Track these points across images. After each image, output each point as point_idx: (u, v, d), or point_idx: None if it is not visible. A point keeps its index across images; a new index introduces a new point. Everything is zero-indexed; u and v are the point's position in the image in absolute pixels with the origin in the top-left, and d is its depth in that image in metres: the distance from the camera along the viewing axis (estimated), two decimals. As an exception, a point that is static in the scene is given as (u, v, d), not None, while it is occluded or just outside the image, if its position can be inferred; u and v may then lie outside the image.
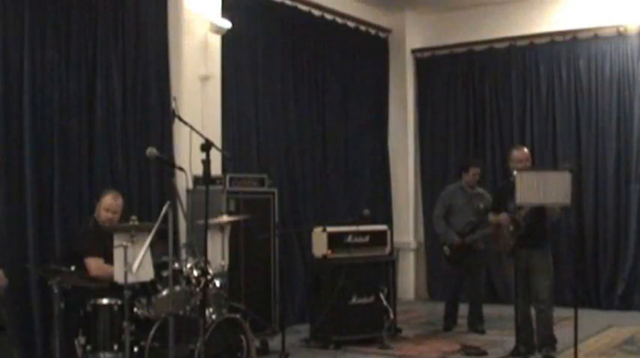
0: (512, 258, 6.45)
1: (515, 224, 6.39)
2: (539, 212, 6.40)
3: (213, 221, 6.19)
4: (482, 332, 7.86)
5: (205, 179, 4.85)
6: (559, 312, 6.84)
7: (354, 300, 7.31)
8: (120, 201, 5.89)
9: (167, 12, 7.41)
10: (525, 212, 6.37)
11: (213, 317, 5.44)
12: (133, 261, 4.92)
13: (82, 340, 5.21)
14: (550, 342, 6.52)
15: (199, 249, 5.48)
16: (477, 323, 7.95)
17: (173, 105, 6.82)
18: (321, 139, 9.56)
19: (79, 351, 5.21)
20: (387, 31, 10.89)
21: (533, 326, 6.59)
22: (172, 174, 6.34)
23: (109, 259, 5.51)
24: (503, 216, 6.54)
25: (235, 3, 8.08)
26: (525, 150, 6.77)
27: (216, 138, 7.37)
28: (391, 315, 7.39)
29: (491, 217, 6.80)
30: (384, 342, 7.20)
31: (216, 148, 5.10)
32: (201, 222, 5.02)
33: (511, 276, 6.52)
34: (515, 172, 6.23)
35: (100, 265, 5.54)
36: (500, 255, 8.07)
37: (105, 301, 5.27)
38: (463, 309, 8.13)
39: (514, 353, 6.57)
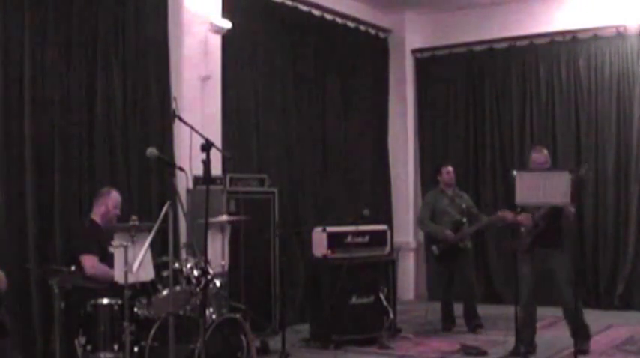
0: (528, 257, 6.48)
1: (534, 223, 6.40)
2: (556, 211, 6.42)
3: (213, 221, 6.19)
4: (481, 326, 7.90)
5: (205, 179, 4.85)
6: (558, 312, 6.84)
7: (354, 300, 7.32)
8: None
9: (167, 12, 7.43)
10: (544, 211, 6.39)
11: (214, 317, 5.45)
12: (134, 261, 4.92)
13: (82, 340, 5.21)
14: (583, 333, 6.55)
15: (199, 249, 5.49)
16: (474, 322, 7.97)
17: (173, 105, 6.82)
18: (321, 139, 9.57)
19: (80, 351, 5.21)
20: (387, 31, 10.90)
21: (535, 325, 6.60)
22: (172, 174, 6.33)
23: (104, 259, 5.53)
24: (525, 216, 6.52)
25: (235, 3, 8.09)
26: (545, 151, 6.79)
27: (217, 138, 7.38)
28: (391, 315, 7.40)
29: (508, 215, 6.75)
30: (384, 342, 7.20)
31: (217, 148, 5.09)
32: (202, 222, 5.02)
33: (525, 276, 6.55)
34: (514, 172, 6.25)
35: (94, 263, 5.55)
36: (507, 255, 8.12)
37: (105, 301, 5.27)
38: (458, 309, 8.13)
39: (514, 352, 6.58)
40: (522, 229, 6.55)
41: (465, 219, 7.98)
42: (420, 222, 8.31)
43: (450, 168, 8.25)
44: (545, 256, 6.45)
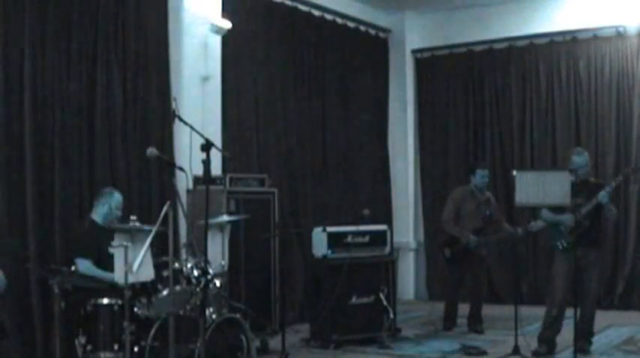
0: (565, 255, 6.50)
1: (576, 222, 6.42)
2: (597, 210, 6.46)
3: (213, 221, 6.20)
4: (482, 332, 7.88)
5: (205, 179, 4.86)
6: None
7: (354, 300, 7.32)
8: None
9: (167, 12, 7.43)
10: (587, 210, 6.41)
11: (214, 316, 5.45)
12: (134, 261, 4.93)
13: (82, 340, 5.21)
14: (588, 336, 6.64)
15: (199, 249, 5.49)
16: (476, 324, 7.97)
17: (173, 105, 6.81)
18: (321, 139, 9.57)
19: (80, 351, 5.21)
20: (387, 31, 10.90)
21: (562, 325, 6.62)
22: (173, 174, 6.34)
23: (103, 260, 5.52)
24: (566, 216, 6.51)
25: (235, 3, 8.10)
26: (586, 153, 6.78)
27: (217, 138, 7.38)
28: (391, 315, 7.39)
29: (549, 215, 6.67)
30: (384, 342, 7.20)
31: (217, 148, 5.10)
32: (202, 222, 5.03)
33: (562, 274, 6.56)
34: (514, 172, 6.26)
35: (87, 267, 5.54)
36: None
37: (105, 301, 5.27)
38: (462, 309, 8.14)
39: (514, 352, 6.59)
40: (562, 228, 6.55)
41: (484, 228, 7.89)
42: (444, 222, 8.04)
43: (486, 172, 8.06)
44: (583, 255, 6.44)
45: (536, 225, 6.79)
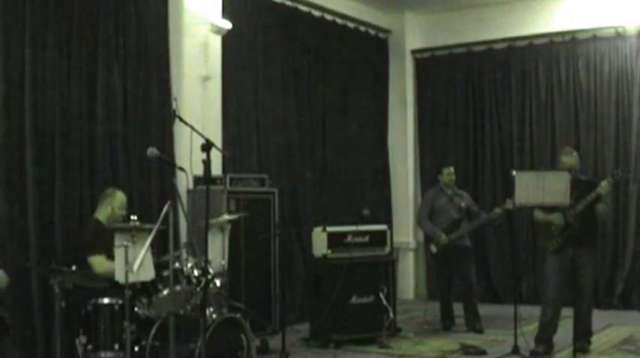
0: (557, 256, 6.52)
1: (566, 222, 6.44)
2: (590, 210, 6.46)
3: (213, 221, 6.20)
4: (481, 330, 7.88)
5: (206, 179, 4.87)
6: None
7: (354, 300, 7.33)
8: None
9: (168, 13, 7.44)
10: (578, 210, 6.42)
11: (214, 316, 5.46)
12: (134, 261, 4.94)
13: (83, 339, 5.23)
14: (586, 336, 6.66)
15: (200, 249, 5.50)
16: (474, 321, 7.97)
17: (174, 105, 6.83)
18: (321, 139, 9.58)
19: (80, 350, 5.22)
20: (387, 31, 10.91)
21: (557, 324, 6.63)
22: (173, 174, 6.36)
23: (110, 257, 5.54)
24: (556, 216, 6.54)
25: (235, 3, 8.11)
26: (575, 153, 6.82)
27: (217, 138, 7.40)
28: (391, 315, 7.41)
29: (540, 215, 6.71)
30: (384, 342, 7.22)
31: (217, 148, 5.11)
32: (202, 222, 5.04)
33: (554, 275, 6.59)
34: (514, 172, 6.28)
35: (103, 262, 5.57)
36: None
37: (106, 300, 5.29)
38: (459, 308, 8.14)
39: (513, 351, 6.59)
40: (553, 228, 6.57)
41: (462, 218, 8.02)
42: (418, 221, 8.36)
43: (452, 170, 8.28)
44: (575, 255, 6.46)
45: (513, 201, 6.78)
